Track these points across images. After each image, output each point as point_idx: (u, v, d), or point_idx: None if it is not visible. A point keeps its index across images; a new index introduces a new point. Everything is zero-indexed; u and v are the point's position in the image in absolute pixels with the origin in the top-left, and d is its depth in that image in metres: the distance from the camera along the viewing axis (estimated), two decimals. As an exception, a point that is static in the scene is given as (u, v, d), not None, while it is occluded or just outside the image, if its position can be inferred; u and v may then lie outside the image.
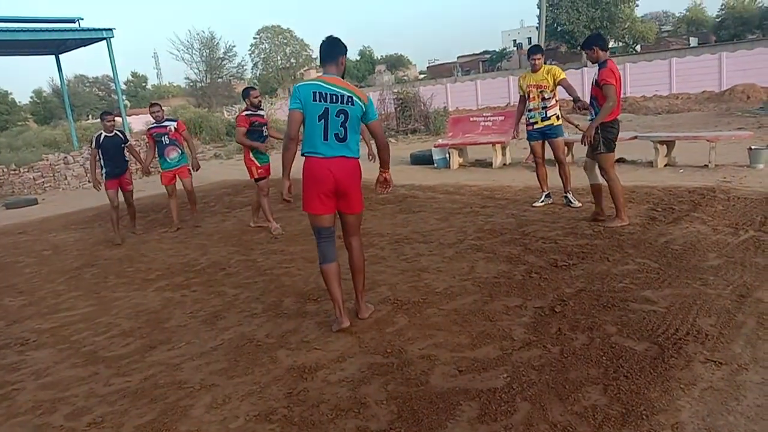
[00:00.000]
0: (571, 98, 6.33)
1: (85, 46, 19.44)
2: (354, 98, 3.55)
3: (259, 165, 6.84)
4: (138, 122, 36.81)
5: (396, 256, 5.39)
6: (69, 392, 3.37)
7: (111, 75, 18.52)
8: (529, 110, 6.64)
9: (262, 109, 7.00)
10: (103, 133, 7.31)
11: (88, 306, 4.95)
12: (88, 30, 17.50)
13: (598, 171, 5.77)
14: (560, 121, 6.64)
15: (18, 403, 3.30)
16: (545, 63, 6.62)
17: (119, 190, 7.51)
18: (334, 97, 3.51)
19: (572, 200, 6.72)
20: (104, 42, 17.68)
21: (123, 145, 7.52)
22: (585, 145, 5.64)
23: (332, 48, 3.62)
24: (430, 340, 3.54)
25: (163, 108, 7.63)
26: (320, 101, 3.49)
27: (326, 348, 3.58)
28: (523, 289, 4.23)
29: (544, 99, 6.50)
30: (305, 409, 2.89)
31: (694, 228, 5.32)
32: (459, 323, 3.74)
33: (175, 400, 3.13)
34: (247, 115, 6.71)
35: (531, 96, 6.54)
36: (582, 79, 23.78)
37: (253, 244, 6.44)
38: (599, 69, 5.53)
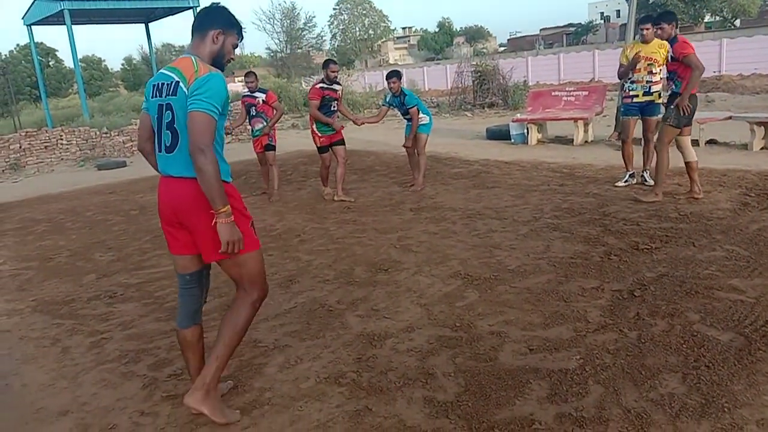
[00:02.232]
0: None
1: (172, 14, 20.17)
2: (180, 83, 2.40)
3: (320, 134, 6.89)
4: (220, 91, 37.84)
5: (468, 232, 5.33)
6: (152, 344, 3.57)
7: (196, 44, 19.13)
8: (632, 81, 6.22)
9: (339, 83, 6.96)
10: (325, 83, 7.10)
11: (170, 264, 5.16)
12: (176, -1, 18.11)
13: (690, 147, 5.61)
14: (661, 100, 6.28)
15: (106, 351, 3.53)
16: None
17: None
18: (164, 87, 2.47)
19: (648, 178, 6.46)
20: (190, 11, 18.25)
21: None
22: (683, 114, 5.49)
23: (203, 17, 2.56)
24: (501, 316, 3.50)
25: (257, 78, 7.72)
26: (156, 96, 2.50)
27: (395, 317, 3.61)
28: (600, 271, 4.09)
29: (651, 73, 6.10)
30: (374, 375, 2.94)
31: (791, 216, 4.97)
32: (531, 302, 3.67)
33: (250, 358, 3.26)
34: (320, 87, 6.73)
35: (637, 67, 6.12)
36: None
37: (327, 213, 6.54)
38: (672, 44, 5.50)
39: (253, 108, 7.54)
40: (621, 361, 2.87)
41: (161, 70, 2.55)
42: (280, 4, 47.15)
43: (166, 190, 2.54)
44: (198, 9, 18.09)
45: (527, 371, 2.86)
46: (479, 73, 18.91)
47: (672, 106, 5.48)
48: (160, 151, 2.53)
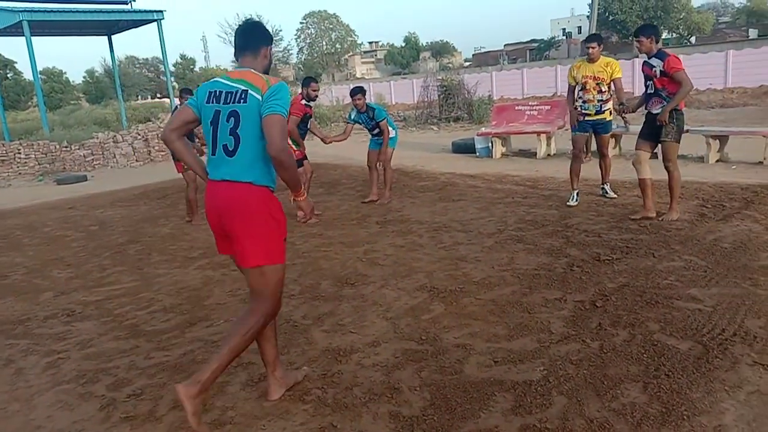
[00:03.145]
0: (620, 101, 6.12)
1: (136, 27, 19.91)
2: (249, 91, 2.55)
3: (295, 149, 6.73)
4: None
5: (434, 244, 5.35)
6: (111, 363, 3.47)
7: (160, 57, 18.92)
8: (584, 101, 6.32)
9: (314, 101, 6.82)
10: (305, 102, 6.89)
11: (131, 281, 5.08)
12: (139, 12, 17.90)
13: (648, 166, 5.62)
14: (612, 117, 6.42)
15: (63, 372, 3.41)
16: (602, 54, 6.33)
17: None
18: (228, 95, 2.59)
19: (608, 191, 6.60)
20: (155, 24, 18.05)
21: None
22: (661, 124, 5.43)
23: (252, 34, 2.76)
24: (466, 329, 3.51)
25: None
26: (213, 102, 2.62)
27: (361, 332, 3.58)
28: (563, 282, 4.15)
29: (600, 92, 6.22)
30: (339, 391, 2.91)
31: (745, 226, 5.12)
32: (496, 314, 3.70)
33: (212, 376, 3.18)
34: (304, 104, 6.62)
35: (587, 87, 6.23)
36: (633, 69, 23.08)
37: (292, 227, 6.47)
38: (661, 59, 5.33)
39: None
40: (584, 372, 2.90)
41: (218, 79, 2.68)
42: (246, 18, 47.08)
43: (214, 194, 2.63)
44: (161, 21, 17.80)
45: (492, 383, 2.87)
46: (445, 88, 19.12)
47: (672, 121, 5.41)
48: (214, 154, 2.62)
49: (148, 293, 4.71)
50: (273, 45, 2.85)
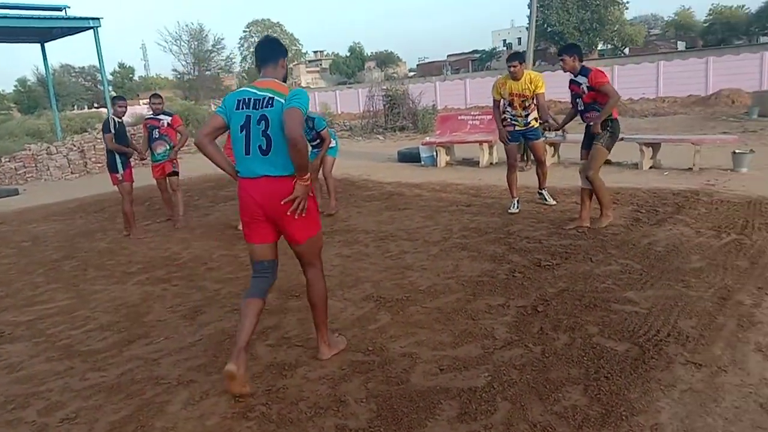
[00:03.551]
0: (544, 119, 6.31)
1: (71, 35, 19.14)
2: (274, 98, 2.94)
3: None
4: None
5: (380, 254, 5.36)
6: (43, 387, 3.30)
7: (97, 65, 18.31)
8: (512, 116, 6.50)
9: None
10: (116, 119, 6.79)
11: (66, 299, 4.86)
12: (75, 19, 17.26)
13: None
14: (538, 123, 6.60)
15: (-10, 397, 3.23)
16: (526, 66, 6.47)
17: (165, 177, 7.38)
18: (256, 102, 2.96)
19: (547, 197, 6.78)
20: (91, 31, 17.45)
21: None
22: (595, 132, 5.60)
23: (272, 49, 3.18)
24: (412, 338, 3.52)
25: (163, 101, 7.44)
26: (243, 108, 2.98)
27: (307, 345, 3.54)
28: (506, 288, 4.22)
29: (525, 107, 6.42)
30: (284, 406, 2.86)
31: (677, 230, 5.35)
32: (442, 321, 3.72)
33: (151, 396, 3.08)
34: None
35: (513, 104, 6.42)
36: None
37: (236, 239, 6.36)
38: (585, 75, 5.51)
39: (156, 130, 7.27)
40: (527, 376, 2.95)
41: (246, 88, 3.08)
42: (187, 26, 46.01)
43: (256, 188, 2.98)
44: (98, 29, 17.30)
45: (438, 391, 2.88)
46: (390, 98, 19.28)
47: (605, 131, 5.57)
48: (248, 154, 2.97)
49: (83, 311, 4.52)
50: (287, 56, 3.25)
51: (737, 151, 8.33)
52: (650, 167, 8.86)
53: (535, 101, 6.40)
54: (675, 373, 2.89)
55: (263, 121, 2.92)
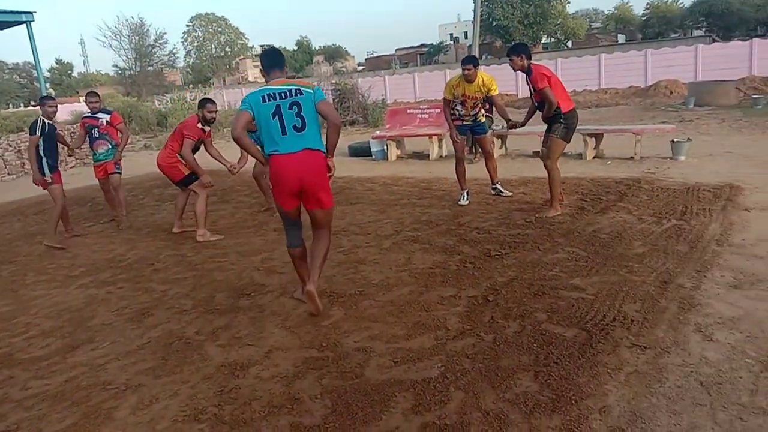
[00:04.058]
0: (506, 118, 6.43)
1: (2, 29, 18.31)
2: (301, 88, 3.66)
3: (183, 164, 6.13)
4: (62, 111, 34.98)
5: (333, 249, 5.29)
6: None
7: (32, 61, 17.55)
8: (460, 113, 6.60)
9: (211, 123, 6.19)
10: (46, 120, 6.37)
11: (4, 305, 4.65)
12: (5, 12, 16.48)
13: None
14: (484, 119, 6.70)
15: None
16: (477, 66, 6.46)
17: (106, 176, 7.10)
18: (282, 94, 3.61)
19: (502, 190, 6.86)
20: (24, 26, 16.70)
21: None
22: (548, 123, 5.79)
23: (277, 57, 3.90)
24: (366, 332, 3.52)
25: (100, 99, 7.15)
26: (270, 101, 3.60)
27: (259, 344, 3.49)
28: (457, 278, 4.27)
29: (475, 107, 6.54)
30: (236, 407, 2.81)
31: (620, 217, 5.52)
32: (395, 314, 3.73)
33: (98, 402, 2.98)
34: (201, 128, 6.04)
35: (465, 104, 6.50)
36: (516, 73, 24.28)
37: (184, 239, 6.22)
38: (528, 76, 5.68)
39: (96, 130, 7.00)
40: (479, 365, 2.99)
41: (266, 87, 3.68)
42: (127, 20, 44.56)
43: (296, 160, 3.58)
44: (31, 23, 16.57)
45: (392, 384, 2.89)
46: (339, 92, 19.19)
47: (558, 123, 5.70)
48: (284, 134, 3.58)
49: (24, 317, 4.33)
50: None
51: (675, 139, 8.65)
52: (594, 157, 9.11)
53: (485, 102, 6.52)
54: (621, 356, 2.98)
55: (295, 106, 3.58)
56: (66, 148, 7.28)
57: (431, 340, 3.34)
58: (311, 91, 3.68)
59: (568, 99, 5.82)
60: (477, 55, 13.02)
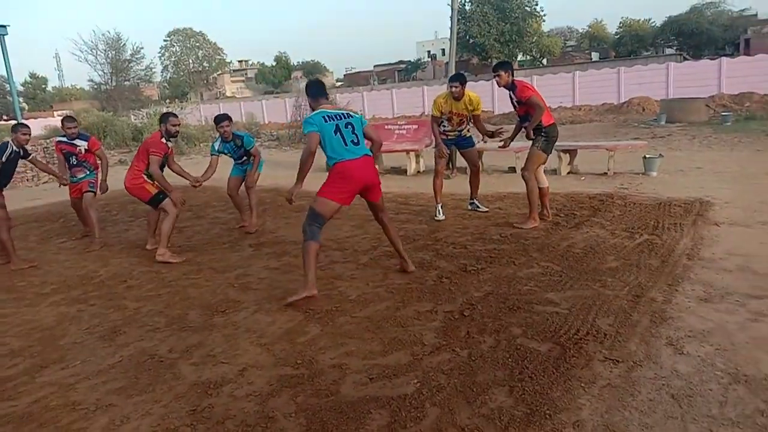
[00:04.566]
0: (488, 132, 6.54)
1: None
2: (350, 113, 4.60)
3: (151, 181, 6.01)
4: (36, 126, 34.50)
5: (309, 264, 5.29)
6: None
7: (5, 75, 17.31)
8: (445, 128, 6.67)
9: (174, 137, 6.13)
10: (14, 147, 6.20)
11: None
12: (-23, 26, 16.27)
13: (542, 174, 6.08)
14: (469, 133, 6.78)
15: None
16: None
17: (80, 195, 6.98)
18: (338, 116, 4.46)
19: (479, 205, 6.91)
20: (-4, 38, 16.48)
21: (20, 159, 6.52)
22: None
23: (323, 87, 4.76)
24: (342, 348, 3.50)
25: (77, 124, 7.02)
26: (330, 121, 4.40)
27: (233, 361, 3.45)
28: (434, 294, 4.28)
29: (461, 124, 6.62)
30: (210, 426, 2.77)
31: (593, 232, 5.59)
32: (371, 330, 3.72)
33: (67, 423, 2.91)
34: (165, 143, 5.97)
35: (451, 121, 6.57)
36: (492, 89, 24.60)
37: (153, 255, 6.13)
38: (513, 91, 5.85)
39: (74, 157, 6.90)
40: (455, 381, 3.00)
41: (322, 110, 4.46)
42: (103, 35, 44.16)
43: (362, 167, 4.42)
44: (4, 36, 16.34)
45: (368, 401, 2.88)
46: (317, 107, 19.19)
47: (539, 135, 5.88)
48: (346, 146, 4.38)
49: (-10, 337, 4.22)
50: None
51: (647, 155, 8.83)
52: (568, 173, 9.24)
53: (469, 118, 6.61)
54: (594, 370, 3.01)
55: (349, 126, 4.45)
56: (56, 178, 7.03)
57: (407, 355, 3.33)
58: (358, 116, 4.65)
59: (549, 114, 5.98)
60: (455, 71, 13.14)
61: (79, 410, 3.03)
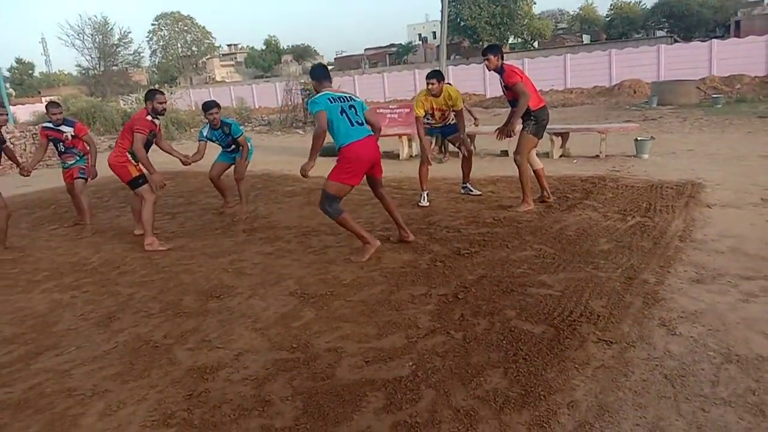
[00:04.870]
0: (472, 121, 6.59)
1: (-43, 28, 17.72)
2: (352, 96, 4.87)
3: (135, 162, 5.88)
4: (24, 112, 34.17)
5: (303, 249, 5.31)
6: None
7: (-11, 60, 17.05)
8: (429, 121, 6.76)
9: (162, 115, 5.95)
10: None
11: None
12: (-39, 10, 15.97)
13: (535, 156, 6.11)
14: (454, 121, 6.77)
15: None
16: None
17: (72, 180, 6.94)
18: (341, 98, 4.71)
19: (472, 189, 6.92)
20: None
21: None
22: (500, 139, 6.09)
23: (327, 70, 4.97)
24: (337, 332, 3.51)
25: (61, 109, 6.90)
26: (335, 102, 4.64)
27: (229, 346, 3.46)
28: (428, 277, 4.29)
29: (444, 118, 6.70)
30: (206, 410, 2.78)
31: (586, 215, 5.62)
32: (366, 314, 3.73)
33: (63, 409, 2.91)
34: (150, 120, 5.78)
35: (434, 116, 6.65)
36: (483, 72, 24.52)
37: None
38: (501, 74, 5.82)
39: (61, 144, 6.83)
40: (449, 363, 3.02)
41: (328, 93, 4.72)
42: (90, 19, 43.58)
43: (368, 145, 4.70)
44: None
45: (364, 384, 2.89)
46: (308, 91, 19.10)
47: (529, 120, 5.88)
48: (352, 126, 4.64)
49: (-17, 325, 4.20)
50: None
51: (639, 138, 8.85)
52: (560, 156, 9.26)
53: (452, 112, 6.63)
54: (588, 351, 3.04)
55: (353, 108, 4.71)
56: (17, 166, 6.73)
57: (402, 339, 3.35)
58: (359, 100, 4.91)
59: (539, 97, 5.95)
60: (446, 54, 13.08)
61: (75, 396, 3.03)
